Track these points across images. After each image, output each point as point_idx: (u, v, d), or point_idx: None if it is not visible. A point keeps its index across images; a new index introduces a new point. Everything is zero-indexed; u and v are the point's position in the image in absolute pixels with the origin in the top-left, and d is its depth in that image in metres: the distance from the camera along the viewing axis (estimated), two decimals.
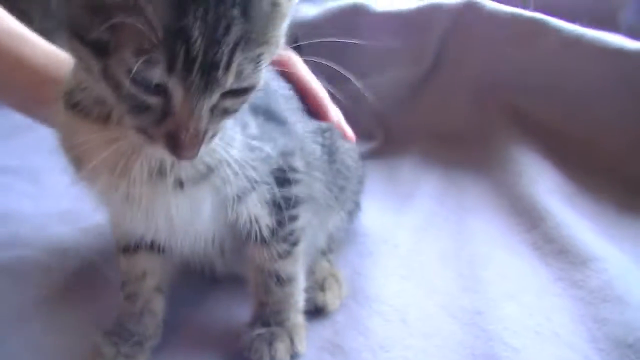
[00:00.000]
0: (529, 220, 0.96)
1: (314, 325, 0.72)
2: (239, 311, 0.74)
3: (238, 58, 0.45)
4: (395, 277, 0.84)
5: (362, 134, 1.24)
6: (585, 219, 0.95)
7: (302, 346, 0.67)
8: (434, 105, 1.17)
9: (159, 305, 0.70)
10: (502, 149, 1.08)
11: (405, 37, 1.16)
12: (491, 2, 1.14)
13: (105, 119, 0.55)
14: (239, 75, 0.46)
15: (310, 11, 1.22)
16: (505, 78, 1.13)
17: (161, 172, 0.56)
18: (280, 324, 0.67)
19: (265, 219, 0.65)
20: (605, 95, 1.04)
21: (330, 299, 0.75)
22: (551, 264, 0.88)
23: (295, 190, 0.66)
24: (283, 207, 0.64)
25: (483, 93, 1.13)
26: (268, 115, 0.65)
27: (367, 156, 1.18)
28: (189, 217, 0.61)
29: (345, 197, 0.83)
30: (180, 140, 0.48)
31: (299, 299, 0.69)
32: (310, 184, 0.71)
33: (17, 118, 1.36)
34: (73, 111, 0.58)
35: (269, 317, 0.67)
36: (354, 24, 1.17)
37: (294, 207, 0.66)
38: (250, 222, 0.64)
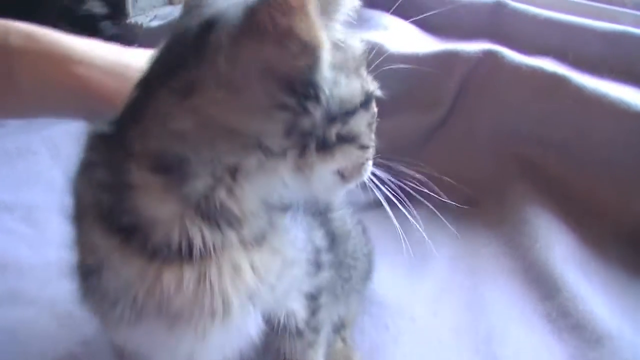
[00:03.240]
0: (544, 289, 0.97)
1: None
2: None
3: None
4: (414, 357, 0.84)
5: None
6: (599, 290, 0.97)
7: None
8: (447, 154, 1.15)
9: None
10: (517, 207, 1.08)
11: (420, 82, 1.13)
12: (512, 52, 1.11)
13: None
14: None
15: None
16: (523, 131, 1.12)
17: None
18: None
19: (302, 312, 0.65)
20: (624, 157, 1.04)
21: None
22: (566, 339, 0.90)
23: (323, 276, 0.67)
24: (316, 297, 0.65)
25: (499, 145, 1.12)
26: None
27: (375, 205, 1.17)
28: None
29: (351, 286, 0.82)
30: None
31: None
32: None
33: (8, 142, 1.32)
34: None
35: None
36: (368, 64, 1.13)
37: (321, 294, 0.67)
38: (287, 316, 0.64)
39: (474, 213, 1.11)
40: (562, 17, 1.19)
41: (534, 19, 1.20)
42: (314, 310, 0.66)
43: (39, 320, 0.92)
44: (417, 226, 0.77)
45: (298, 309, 0.64)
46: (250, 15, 0.46)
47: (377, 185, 0.61)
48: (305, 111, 0.48)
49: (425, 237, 0.98)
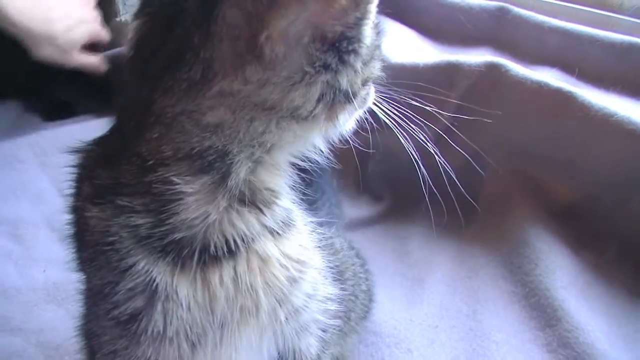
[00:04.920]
0: (544, 317, 0.95)
1: None
2: None
3: None
4: None
5: (370, 193, 1.19)
6: (601, 317, 0.95)
7: None
8: (447, 168, 1.11)
9: None
10: (518, 227, 1.05)
11: (420, 94, 1.09)
12: (515, 65, 1.06)
13: None
14: None
15: None
16: (525, 149, 1.09)
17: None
18: None
19: (314, 346, 0.63)
20: (630, 179, 1.01)
21: None
22: None
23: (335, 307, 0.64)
24: (328, 330, 0.63)
25: (501, 161, 1.07)
26: None
27: (374, 220, 1.14)
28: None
29: (350, 327, 0.80)
30: None
31: None
32: None
33: None
34: None
35: None
36: None
37: (331, 326, 0.64)
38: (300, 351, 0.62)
39: (474, 232, 1.08)
40: (568, 26, 1.14)
41: (539, 26, 1.15)
42: (323, 346, 0.64)
43: (26, 349, 0.89)
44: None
45: (311, 342, 0.62)
46: None
47: (382, 109, 0.59)
48: (346, 67, 0.46)
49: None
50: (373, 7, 0.46)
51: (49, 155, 1.24)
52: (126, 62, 0.51)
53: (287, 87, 0.45)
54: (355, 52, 0.47)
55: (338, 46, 0.45)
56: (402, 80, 1.10)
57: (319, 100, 0.47)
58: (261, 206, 0.51)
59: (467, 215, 1.11)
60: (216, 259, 0.50)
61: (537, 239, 1.02)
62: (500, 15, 1.18)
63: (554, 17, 1.17)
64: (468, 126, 1.10)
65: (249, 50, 0.43)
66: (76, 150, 0.55)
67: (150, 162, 0.47)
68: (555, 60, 1.15)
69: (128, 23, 1.42)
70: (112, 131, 0.53)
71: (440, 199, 1.14)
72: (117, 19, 1.43)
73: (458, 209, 1.12)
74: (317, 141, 0.55)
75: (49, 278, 1.01)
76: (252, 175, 0.50)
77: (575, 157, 1.04)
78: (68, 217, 0.55)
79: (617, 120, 1.00)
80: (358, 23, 0.45)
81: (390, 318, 0.94)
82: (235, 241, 0.50)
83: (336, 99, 0.48)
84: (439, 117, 1.10)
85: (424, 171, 0.65)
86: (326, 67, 0.45)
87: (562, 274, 0.98)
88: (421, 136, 0.64)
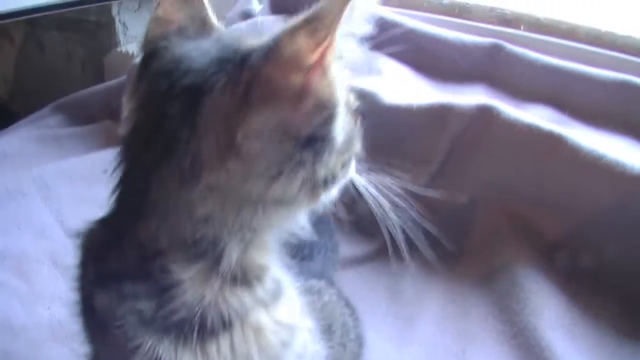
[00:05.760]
0: (531, 357, 0.96)
1: None
2: None
3: None
4: None
5: (362, 233, 1.22)
6: (586, 357, 0.96)
7: None
8: (437, 207, 1.14)
9: None
10: (507, 267, 1.07)
11: (412, 135, 1.11)
12: (507, 107, 1.08)
13: None
14: None
15: None
16: (516, 189, 1.11)
17: None
18: None
19: None
20: (619, 220, 1.03)
21: None
22: None
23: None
24: None
25: (491, 202, 1.10)
26: None
27: (368, 258, 1.17)
28: None
29: None
30: None
31: None
32: None
33: None
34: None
35: None
36: (360, 114, 1.11)
37: None
38: None
39: (465, 270, 1.11)
40: (561, 64, 1.16)
41: (532, 64, 1.18)
42: None
43: None
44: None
45: None
46: (255, 77, 0.45)
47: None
48: (322, 161, 0.49)
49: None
50: (341, 109, 0.49)
51: (51, 189, 1.27)
52: (122, 146, 0.54)
53: (268, 181, 0.49)
54: (329, 148, 0.50)
55: (312, 143, 0.49)
56: (395, 121, 1.14)
57: (300, 189, 0.50)
58: (253, 281, 0.55)
59: (458, 254, 1.14)
60: (213, 333, 0.53)
61: (526, 278, 1.05)
62: (494, 52, 1.21)
63: (548, 54, 1.19)
64: (460, 167, 1.12)
65: (229, 147, 0.47)
66: (81, 233, 0.58)
67: (150, 252, 0.51)
68: (548, 97, 1.18)
69: (128, 53, 1.44)
70: (113, 214, 0.56)
71: (429, 237, 1.17)
72: (118, 49, 1.46)
73: (449, 248, 1.15)
74: (302, 218, 0.58)
75: (53, 315, 1.04)
76: (243, 255, 0.53)
77: (564, 198, 1.07)
78: (75, 295, 0.59)
79: (606, 163, 1.02)
80: (327, 122, 0.48)
81: (382, 359, 0.97)
82: (230, 315, 0.53)
83: (318, 184, 0.52)
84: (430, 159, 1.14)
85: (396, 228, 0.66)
86: (303, 163, 0.49)
87: (550, 314, 1.01)
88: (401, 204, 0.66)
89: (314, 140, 0.48)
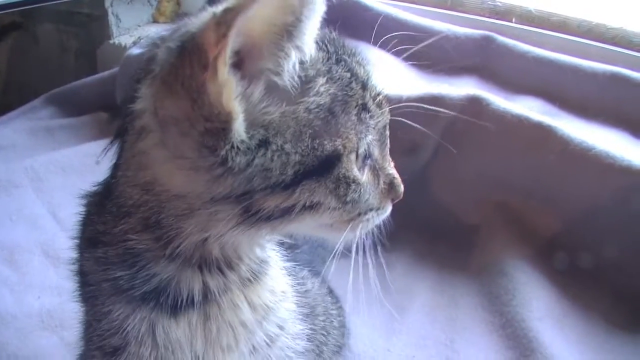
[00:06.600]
0: (519, 347, 0.98)
1: None
2: None
3: None
4: None
5: None
6: (575, 348, 0.97)
7: None
8: (428, 199, 1.14)
9: None
10: (497, 258, 1.08)
11: (402, 126, 1.11)
12: (497, 98, 1.08)
13: None
14: None
15: None
16: (506, 180, 1.12)
17: None
18: None
19: None
20: (608, 211, 1.04)
21: None
22: None
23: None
24: None
25: (482, 193, 1.11)
26: None
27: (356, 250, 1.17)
28: None
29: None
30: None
31: None
32: None
33: None
34: None
35: None
36: None
37: None
38: None
39: (455, 261, 1.11)
40: (552, 56, 1.16)
41: (523, 56, 1.18)
42: None
43: None
44: None
45: None
46: (168, 63, 0.45)
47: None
48: (232, 168, 0.47)
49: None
50: (235, 126, 0.45)
51: (44, 181, 1.27)
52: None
53: (188, 174, 0.50)
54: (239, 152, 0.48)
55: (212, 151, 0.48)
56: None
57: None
58: (223, 267, 0.56)
59: (449, 245, 1.14)
60: (188, 306, 0.55)
61: (516, 269, 1.05)
62: (485, 44, 1.21)
63: (539, 46, 1.19)
64: (450, 158, 1.12)
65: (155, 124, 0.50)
66: (84, 194, 0.60)
67: (117, 216, 0.53)
68: (539, 89, 1.18)
69: (121, 45, 1.45)
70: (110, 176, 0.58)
71: (421, 228, 1.17)
72: (111, 41, 1.46)
73: (440, 239, 1.15)
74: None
75: (43, 305, 1.05)
76: (204, 246, 0.54)
77: (554, 189, 1.07)
78: (73, 255, 0.61)
79: (595, 154, 1.03)
80: (220, 135, 0.46)
81: (369, 348, 0.98)
82: (205, 292, 0.56)
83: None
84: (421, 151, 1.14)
85: None
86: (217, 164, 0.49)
87: (538, 305, 1.01)
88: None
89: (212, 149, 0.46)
